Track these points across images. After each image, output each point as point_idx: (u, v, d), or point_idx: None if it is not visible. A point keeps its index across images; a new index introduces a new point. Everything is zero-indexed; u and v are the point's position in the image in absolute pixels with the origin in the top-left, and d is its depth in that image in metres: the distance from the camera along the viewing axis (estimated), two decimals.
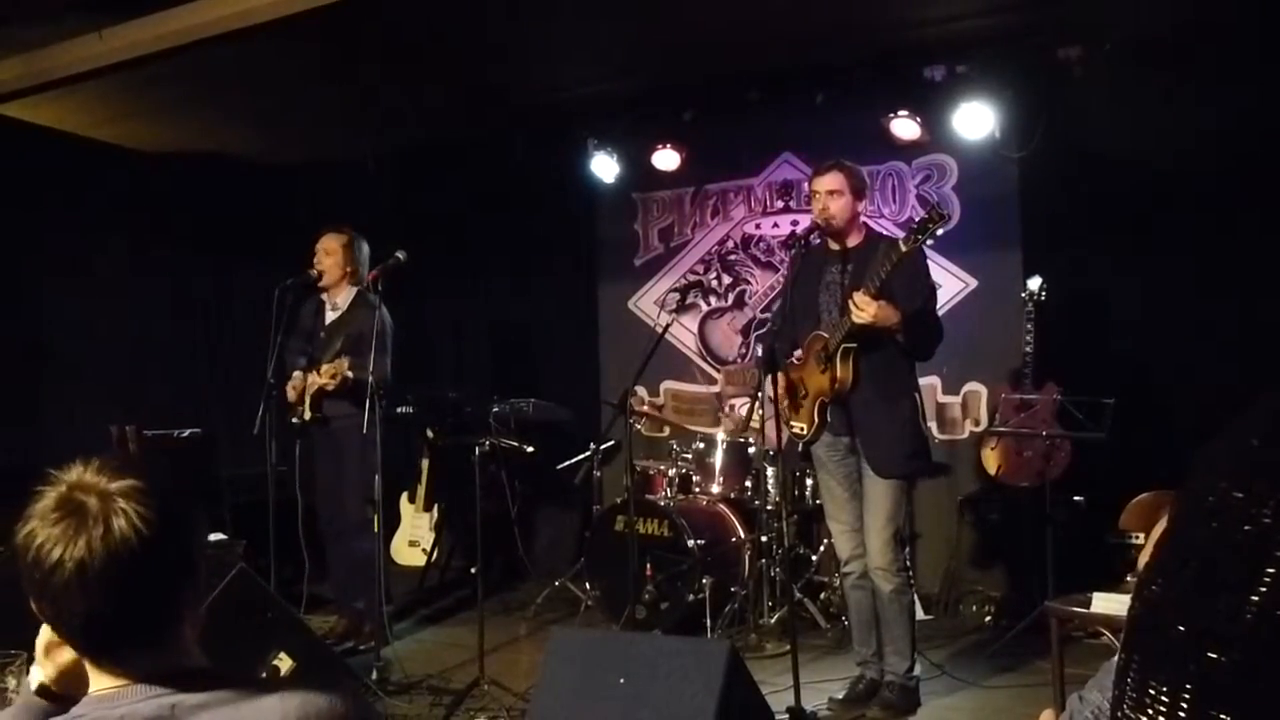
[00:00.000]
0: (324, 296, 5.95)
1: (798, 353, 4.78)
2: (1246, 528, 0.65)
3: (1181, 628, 0.66)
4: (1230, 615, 0.64)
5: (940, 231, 4.30)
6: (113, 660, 1.48)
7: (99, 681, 1.50)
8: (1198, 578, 0.67)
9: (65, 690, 1.60)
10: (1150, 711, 0.67)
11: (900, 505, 4.65)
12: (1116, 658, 0.76)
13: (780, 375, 4.70)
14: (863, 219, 4.81)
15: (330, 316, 5.92)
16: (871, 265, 4.45)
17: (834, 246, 4.74)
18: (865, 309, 4.31)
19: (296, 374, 5.79)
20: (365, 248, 5.93)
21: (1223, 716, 0.63)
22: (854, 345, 4.52)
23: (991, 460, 6.14)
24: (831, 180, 4.65)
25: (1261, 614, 0.63)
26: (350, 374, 5.50)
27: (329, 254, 5.84)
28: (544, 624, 6.19)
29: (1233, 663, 0.63)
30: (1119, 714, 0.71)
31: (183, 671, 1.49)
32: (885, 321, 4.35)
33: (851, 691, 4.80)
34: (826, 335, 4.61)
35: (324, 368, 5.61)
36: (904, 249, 4.31)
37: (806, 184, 5.67)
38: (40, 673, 1.66)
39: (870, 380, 4.56)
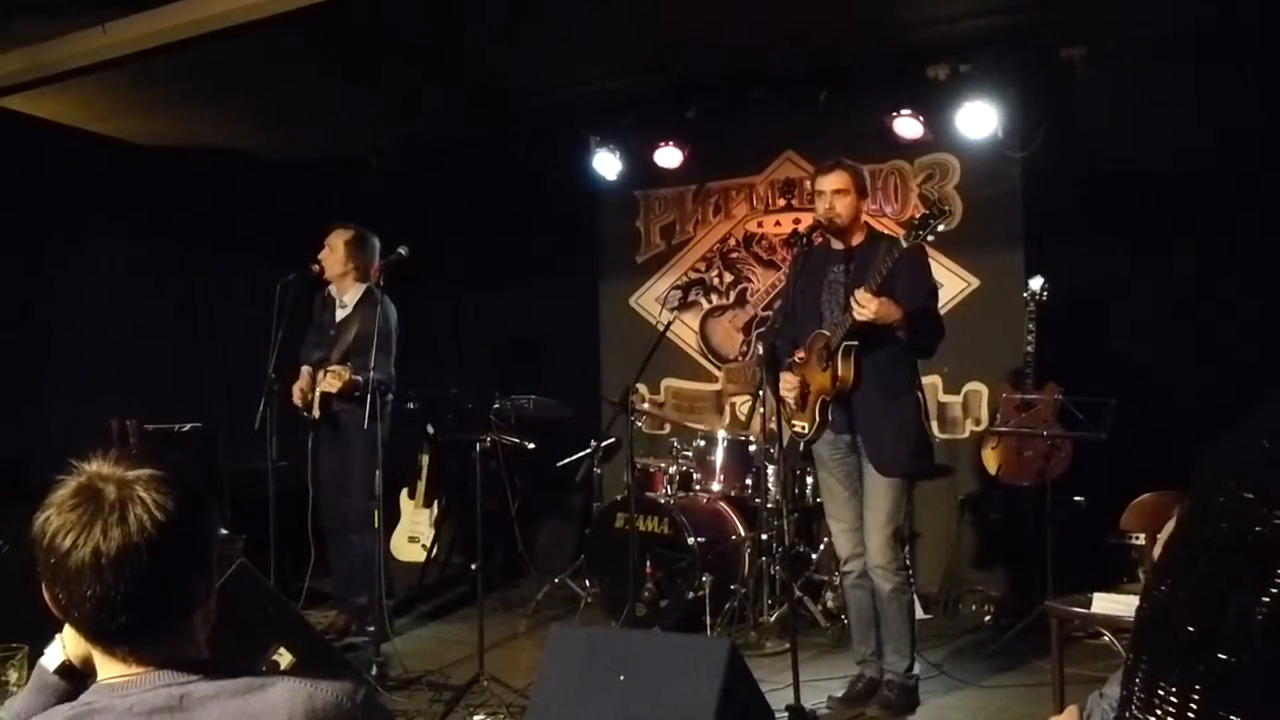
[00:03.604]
0: (333, 293, 5.95)
1: (799, 352, 4.77)
2: (1257, 529, 0.65)
3: (1191, 628, 0.66)
4: (1241, 616, 0.63)
5: (941, 227, 4.32)
6: (123, 649, 1.48)
7: (108, 670, 1.50)
8: (1207, 578, 0.67)
9: (90, 671, 1.60)
10: (1159, 712, 0.67)
11: (900, 504, 4.65)
12: (1125, 658, 0.76)
13: (793, 377, 4.71)
14: (864, 218, 4.81)
15: (339, 314, 5.92)
16: (873, 263, 4.45)
17: (837, 245, 4.74)
18: (867, 306, 4.31)
19: (305, 370, 5.79)
20: (374, 245, 5.90)
21: (1232, 717, 0.63)
22: (855, 343, 4.52)
23: (992, 460, 6.14)
24: (837, 179, 4.65)
25: (1272, 615, 0.62)
26: (357, 377, 5.51)
27: (332, 250, 5.83)
28: (544, 621, 6.19)
29: (1243, 663, 0.63)
30: (1127, 714, 0.71)
31: (192, 662, 1.50)
32: (887, 318, 4.35)
33: (850, 690, 4.80)
34: (828, 334, 4.61)
35: (328, 373, 5.61)
36: (905, 245, 4.33)
37: (809, 182, 5.68)
38: (62, 652, 1.67)
39: (873, 378, 4.56)
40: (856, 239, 4.71)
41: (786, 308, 4.89)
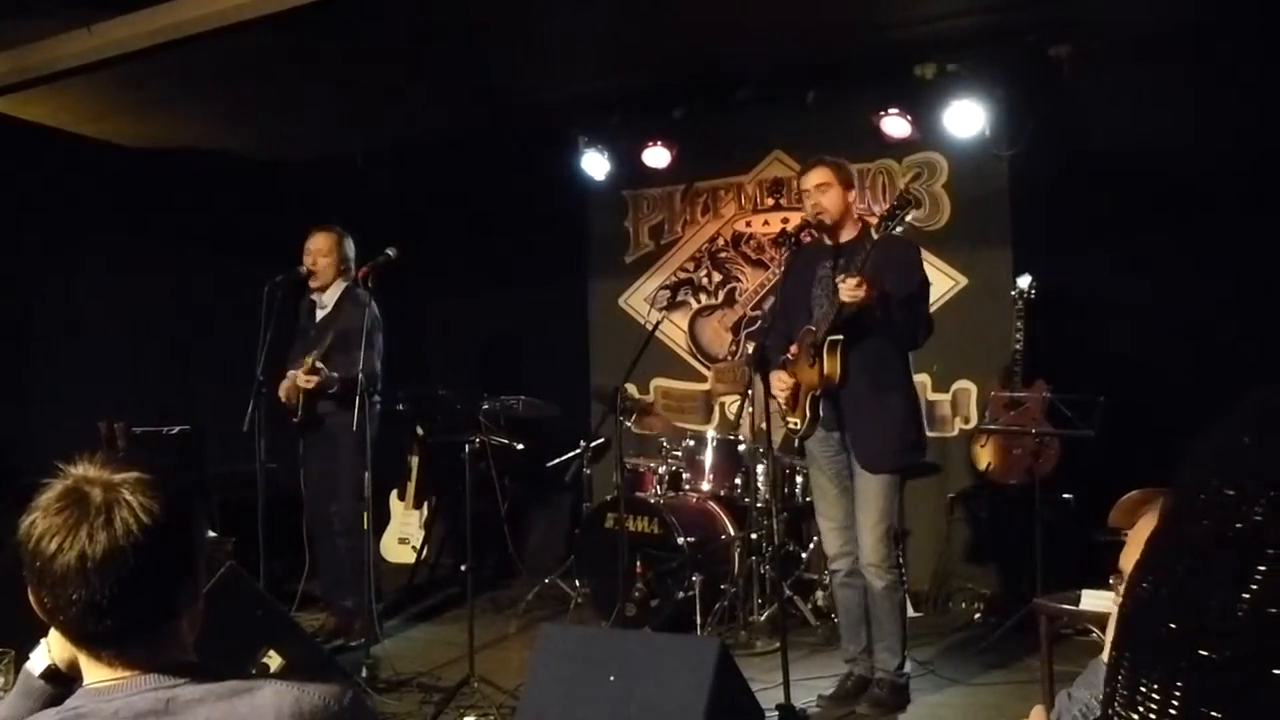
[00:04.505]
0: (314, 295, 5.95)
1: (793, 349, 4.77)
2: (1238, 525, 0.65)
3: (1173, 625, 0.66)
4: (1222, 613, 0.64)
5: (909, 217, 4.35)
6: (109, 653, 1.48)
7: (94, 674, 1.49)
8: (1189, 575, 0.67)
9: (76, 675, 1.59)
10: (1142, 709, 0.67)
11: (892, 502, 4.64)
12: (1106, 655, 0.76)
13: (784, 374, 4.71)
14: (856, 213, 4.79)
15: (319, 315, 5.92)
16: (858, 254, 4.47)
17: (828, 242, 4.74)
18: (855, 290, 4.30)
19: (290, 373, 5.78)
20: (351, 243, 5.93)
21: (1215, 714, 0.63)
22: (840, 338, 4.52)
23: (983, 456, 6.15)
24: (818, 175, 4.66)
25: (1253, 611, 0.63)
26: (332, 373, 5.51)
27: (323, 254, 5.82)
28: (534, 621, 6.18)
29: (1225, 660, 0.63)
30: (1110, 711, 0.71)
31: (179, 666, 1.49)
32: (870, 301, 4.33)
33: (840, 688, 4.80)
34: (815, 329, 4.61)
35: (301, 369, 5.60)
36: (875, 236, 4.38)
37: (796, 182, 5.68)
38: (48, 656, 1.66)
39: (860, 374, 4.56)
40: (847, 234, 4.70)
41: (777, 307, 4.89)
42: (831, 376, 4.55)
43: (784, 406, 4.77)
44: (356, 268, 5.79)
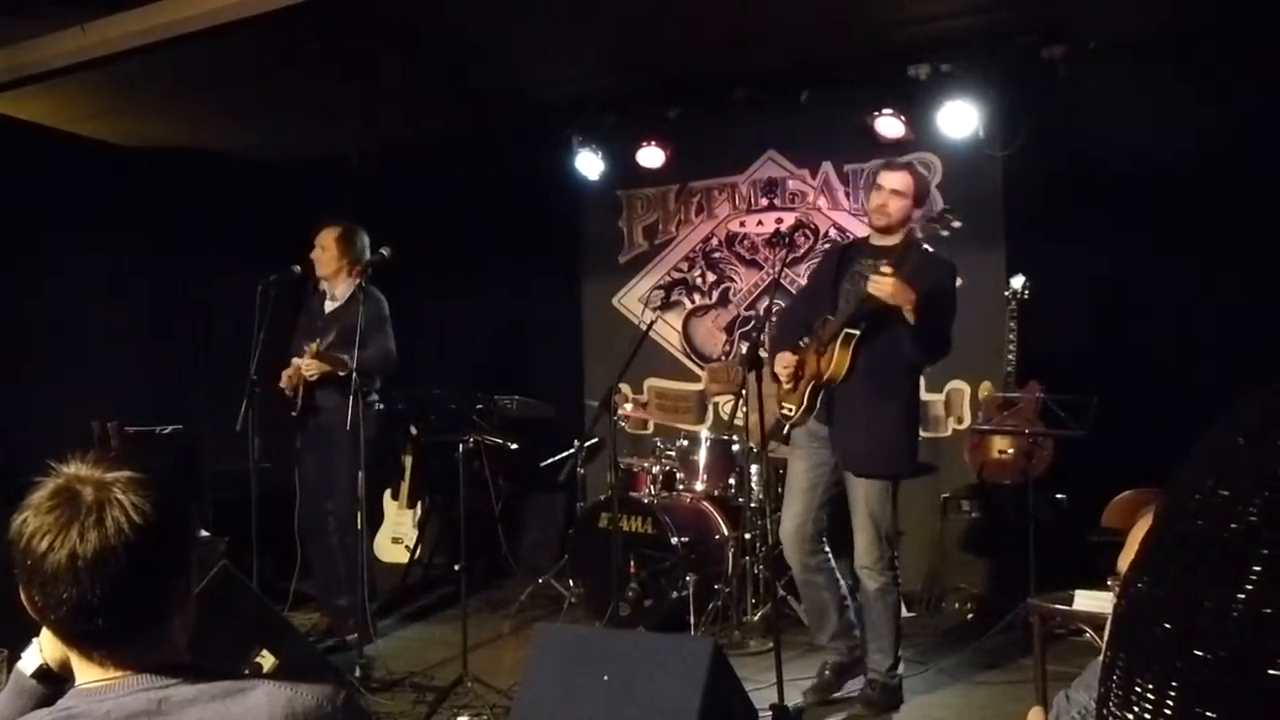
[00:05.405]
0: (325, 288, 5.94)
1: (807, 338, 4.76)
2: (1233, 525, 0.65)
3: (1168, 625, 0.66)
4: (1217, 613, 0.64)
5: (950, 226, 4.36)
6: (100, 653, 1.47)
7: (86, 674, 1.49)
8: (1184, 576, 0.67)
9: (68, 674, 1.59)
10: (1136, 709, 0.67)
11: (885, 504, 4.62)
12: (1102, 656, 0.76)
13: (790, 356, 4.71)
14: (911, 224, 4.68)
15: (329, 306, 5.90)
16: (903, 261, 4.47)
17: (876, 241, 4.70)
18: (884, 283, 4.26)
19: (295, 361, 5.76)
20: (363, 240, 5.89)
21: (1209, 714, 0.63)
22: (856, 333, 4.50)
23: (976, 457, 6.13)
24: (900, 180, 4.62)
25: (1248, 612, 0.63)
26: (341, 355, 5.51)
27: (324, 249, 5.82)
28: (528, 621, 6.17)
29: (1219, 661, 0.63)
30: (1104, 711, 0.71)
31: (171, 666, 1.49)
32: (901, 297, 4.28)
33: (820, 679, 4.79)
34: (835, 319, 4.59)
35: (305, 356, 5.60)
36: (920, 235, 4.48)
37: (791, 181, 5.66)
38: (39, 655, 1.66)
39: (864, 375, 4.54)
40: (894, 239, 4.62)
41: (806, 293, 4.90)
42: (836, 372, 4.53)
43: (784, 389, 4.76)
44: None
